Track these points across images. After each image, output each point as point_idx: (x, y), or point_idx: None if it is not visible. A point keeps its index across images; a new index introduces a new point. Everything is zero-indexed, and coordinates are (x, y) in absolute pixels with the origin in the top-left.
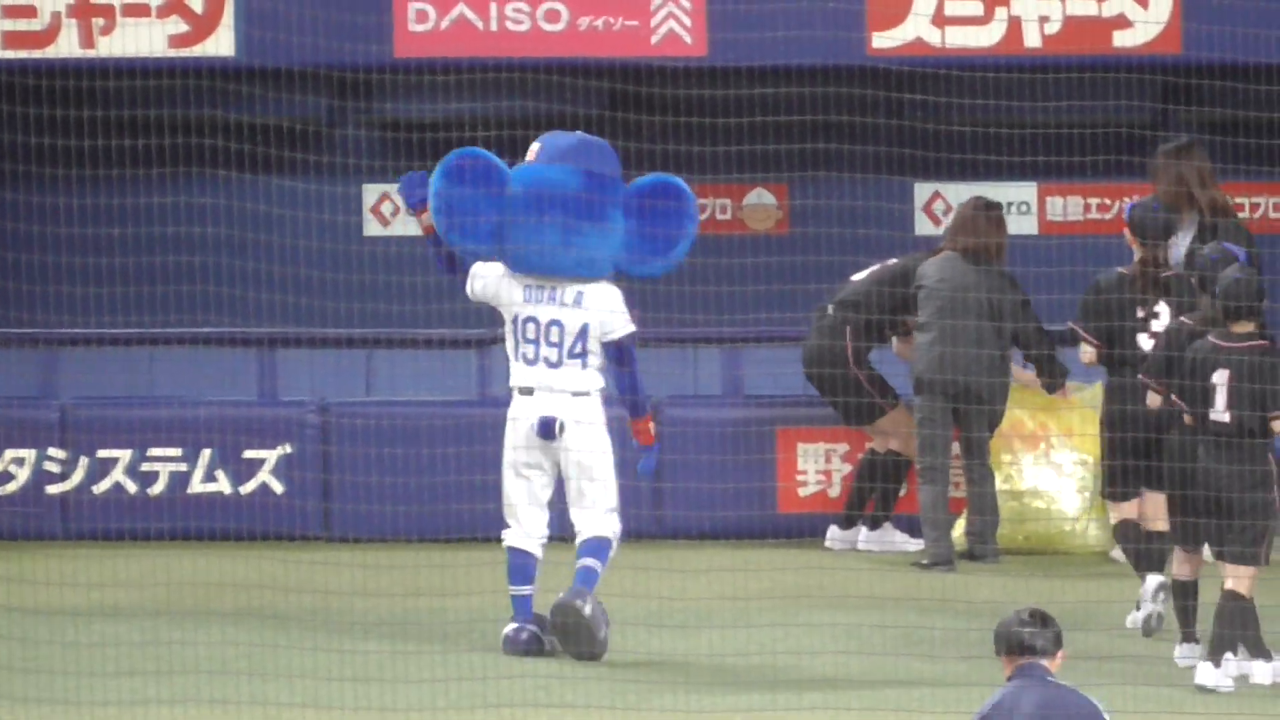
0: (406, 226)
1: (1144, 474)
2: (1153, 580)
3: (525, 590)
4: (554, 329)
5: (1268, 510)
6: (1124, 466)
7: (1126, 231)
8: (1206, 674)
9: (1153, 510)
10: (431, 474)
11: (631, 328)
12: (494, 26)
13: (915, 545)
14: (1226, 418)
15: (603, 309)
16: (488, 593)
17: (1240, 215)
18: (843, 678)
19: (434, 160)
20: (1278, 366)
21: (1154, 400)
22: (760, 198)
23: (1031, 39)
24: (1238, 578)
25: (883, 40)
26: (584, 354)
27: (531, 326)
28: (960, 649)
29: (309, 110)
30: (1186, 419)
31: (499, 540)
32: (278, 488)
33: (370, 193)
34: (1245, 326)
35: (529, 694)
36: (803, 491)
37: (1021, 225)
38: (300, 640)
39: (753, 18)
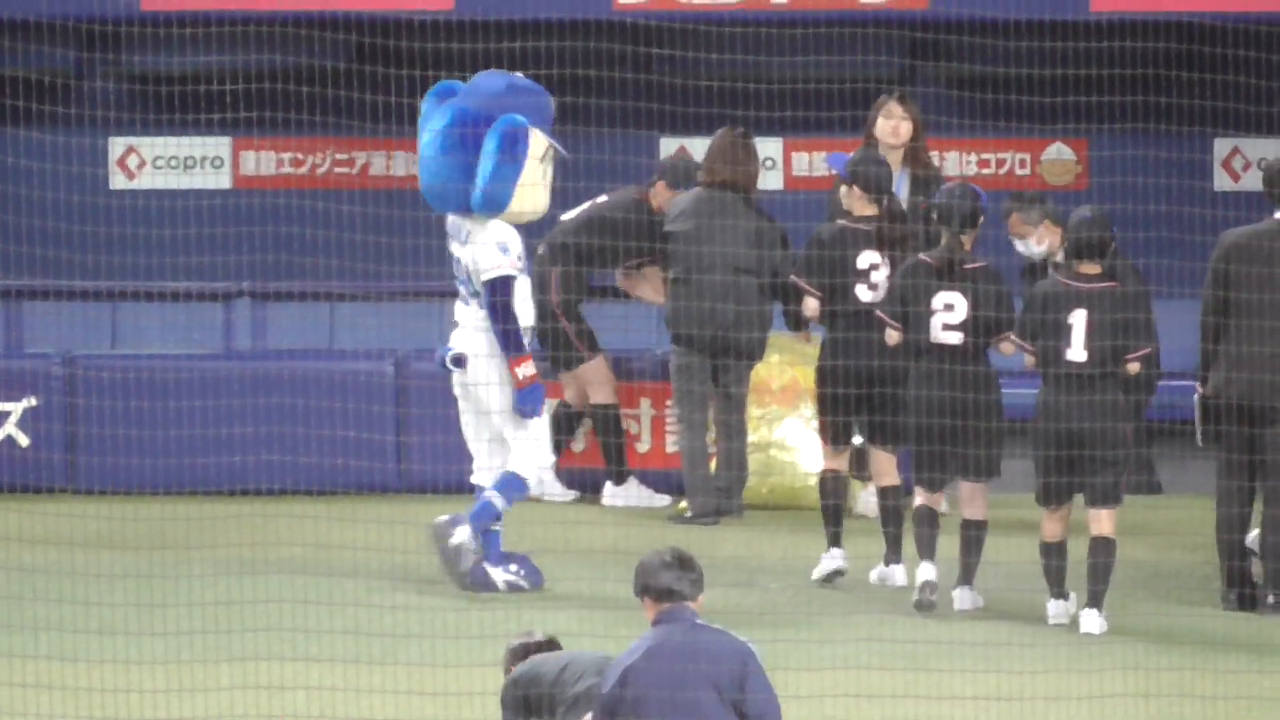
0: (153, 179)
1: (867, 429)
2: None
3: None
4: (458, 266)
5: (1125, 443)
6: (836, 422)
7: (846, 187)
8: (1091, 621)
9: (880, 466)
10: (177, 427)
11: (502, 271)
12: None
13: (662, 500)
14: (1084, 356)
15: (479, 247)
16: (232, 545)
17: (986, 171)
18: (584, 632)
19: (181, 113)
20: (1131, 305)
21: (892, 337)
22: None
23: None
24: (1105, 520)
25: None
26: (474, 293)
27: (456, 264)
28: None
29: (56, 62)
30: (1030, 361)
31: (243, 493)
32: (23, 440)
33: (116, 145)
34: (1093, 267)
35: (273, 647)
36: None
37: (768, 180)
38: (45, 592)
39: None
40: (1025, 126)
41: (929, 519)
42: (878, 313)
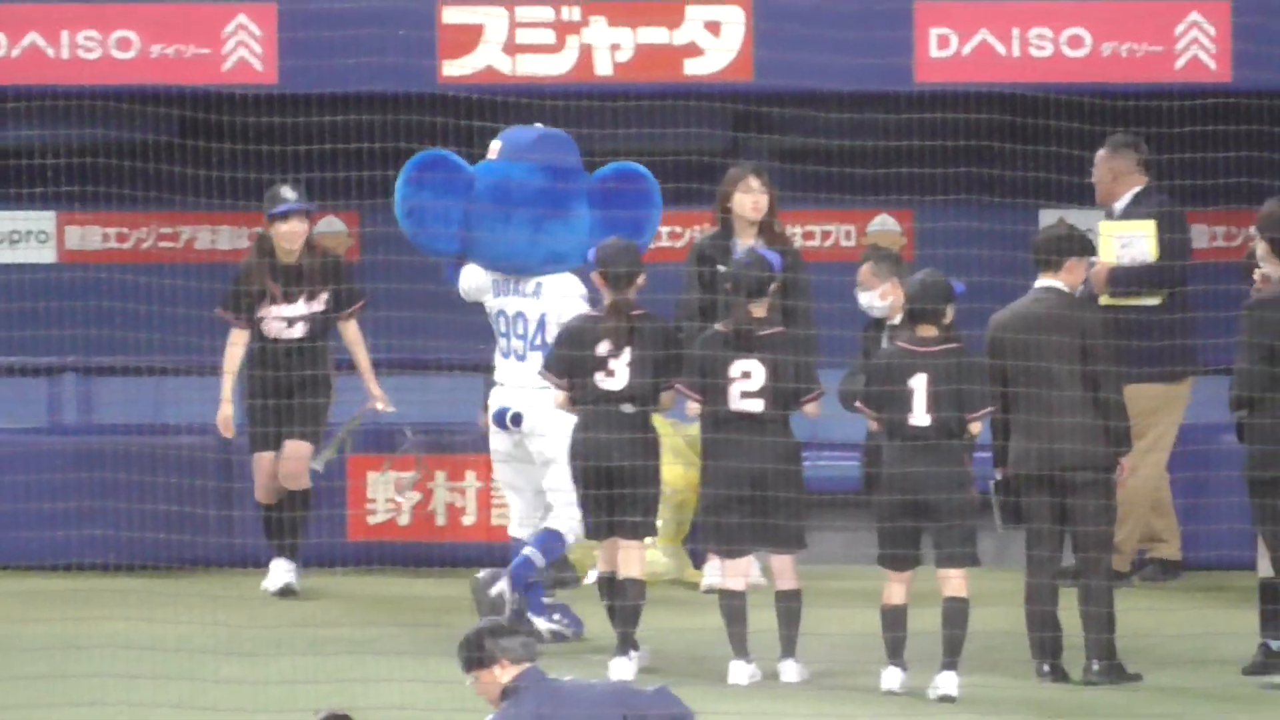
0: None
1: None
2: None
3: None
4: (519, 321)
5: (973, 509)
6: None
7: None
8: (949, 683)
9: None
10: (1, 502)
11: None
12: (65, 54)
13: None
14: (927, 421)
15: (559, 297)
16: (57, 619)
17: (812, 243)
18: (414, 705)
19: (4, 187)
20: (973, 367)
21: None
22: (331, 225)
23: (603, 67)
24: (958, 580)
25: (454, 68)
26: (545, 344)
27: (503, 320)
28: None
29: None
30: (874, 425)
31: (67, 568)
32: None
33: None
34: (930, 330)
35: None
36: (371, 520)
37: None
38: None
39: (324, 45)
40: (851, 198)
41: (736, 614)
42: (676, 385)
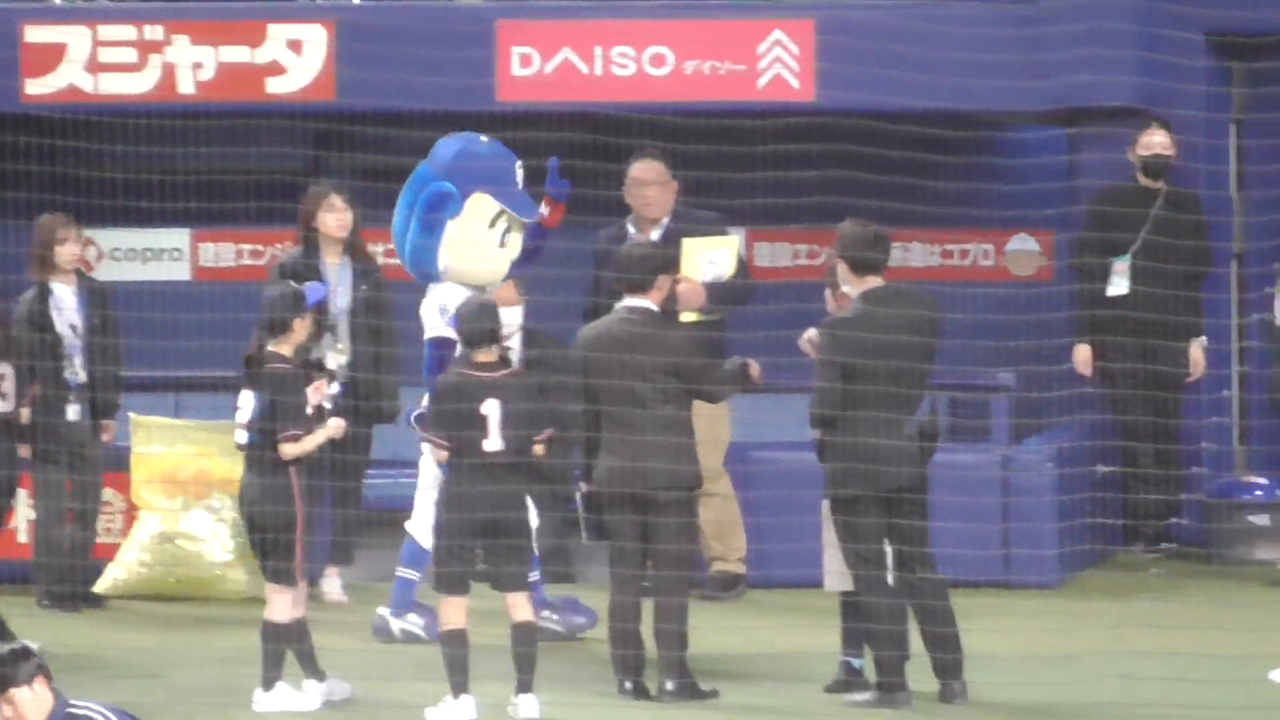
0: None
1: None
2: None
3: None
4: None
5: (529, 530)
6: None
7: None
8: (529, 706)
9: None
10: None
11: (436, 332)
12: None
13: None
14: (500, 444)
15: (424, 308)
16: None
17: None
18: None
19: None
20: (536, 390)
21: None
22: None
23: (185, 86)
24: (524, 604)
25: (36, 87)
26: None
27: None
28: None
29: None
30: (444, 455)
31: None
32: None
33: None
34: (489, 355)
35: None
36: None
37: (174, 271)
38: None
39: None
40: None
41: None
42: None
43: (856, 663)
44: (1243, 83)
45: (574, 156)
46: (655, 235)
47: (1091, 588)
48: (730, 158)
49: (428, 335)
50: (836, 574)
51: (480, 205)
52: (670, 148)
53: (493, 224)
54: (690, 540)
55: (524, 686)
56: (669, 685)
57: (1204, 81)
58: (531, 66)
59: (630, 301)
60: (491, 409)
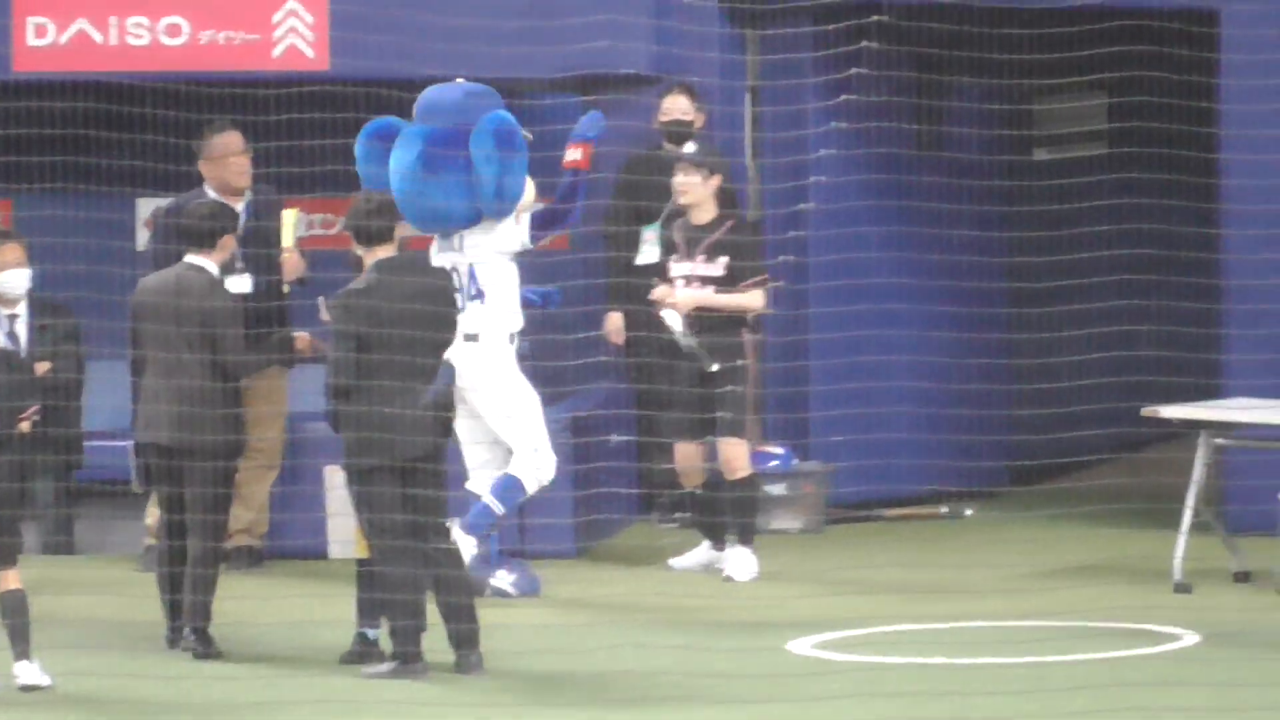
0: None
1: None
2: None
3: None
4: (455, 275)
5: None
6: None
7: None
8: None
9: None
10: None
11: (518, 245)
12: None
13: None
14: None
15: (497, 235)
16: None
17: None
18: None
19: None
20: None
21: None
22: None
23: None
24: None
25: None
26: (480, 294)
27: (454, 276)
28: None
29: None
30: None
31: None
32: None
33: None
34: None
35: None
36: None
37: None
38: None
39: None
40: None
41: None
42: None
43: (372, 633)
44: (757, 50)
45: (87, 126)
46: (241, 206)
47: (607, 557)
48: (247, 127)
49: (516, 248)
50: (340, 543)
51: None
52: (185, 117)
53: None
54: (220, 510)
55: (20, 655)
56: (189, 635)
57: (719, 49)
58: (46, 36)
59: (192, 259)
60: None
